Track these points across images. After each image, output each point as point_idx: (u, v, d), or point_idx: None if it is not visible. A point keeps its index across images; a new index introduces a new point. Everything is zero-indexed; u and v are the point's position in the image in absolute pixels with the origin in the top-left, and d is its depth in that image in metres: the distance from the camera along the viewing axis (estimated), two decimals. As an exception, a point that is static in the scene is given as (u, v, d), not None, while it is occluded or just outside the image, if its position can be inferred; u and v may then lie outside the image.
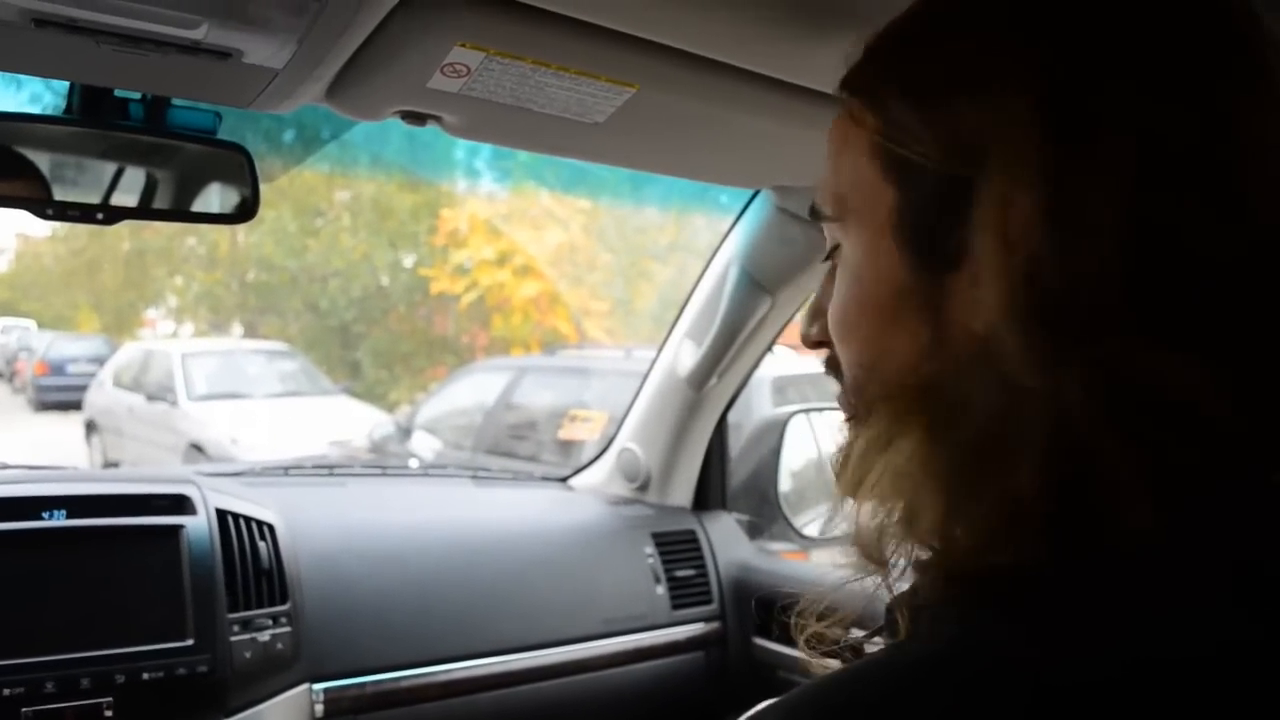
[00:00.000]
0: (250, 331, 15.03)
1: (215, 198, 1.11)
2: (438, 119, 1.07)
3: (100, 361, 12.08)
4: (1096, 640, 0.43)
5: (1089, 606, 0.45)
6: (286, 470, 1.91)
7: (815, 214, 0.61)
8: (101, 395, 10.12)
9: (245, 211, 1.09)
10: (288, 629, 1.39)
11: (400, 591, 1.57)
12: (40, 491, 1.34)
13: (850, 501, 0.55)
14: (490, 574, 1.67)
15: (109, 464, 9.02)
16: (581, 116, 1.08)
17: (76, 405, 11.11)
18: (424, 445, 6.86)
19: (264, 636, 1.36)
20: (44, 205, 1.06)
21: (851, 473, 0.54)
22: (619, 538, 1.85)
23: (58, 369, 14.40)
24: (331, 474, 1.93)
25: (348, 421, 8.43)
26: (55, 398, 13.62)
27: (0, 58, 0.88)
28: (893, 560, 0.54)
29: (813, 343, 0.64)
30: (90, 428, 10.12)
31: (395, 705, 1.48)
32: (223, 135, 1.08)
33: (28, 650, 1.21)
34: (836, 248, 0.60)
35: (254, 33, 0.81)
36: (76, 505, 1.33)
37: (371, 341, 13.39)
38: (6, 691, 1.17)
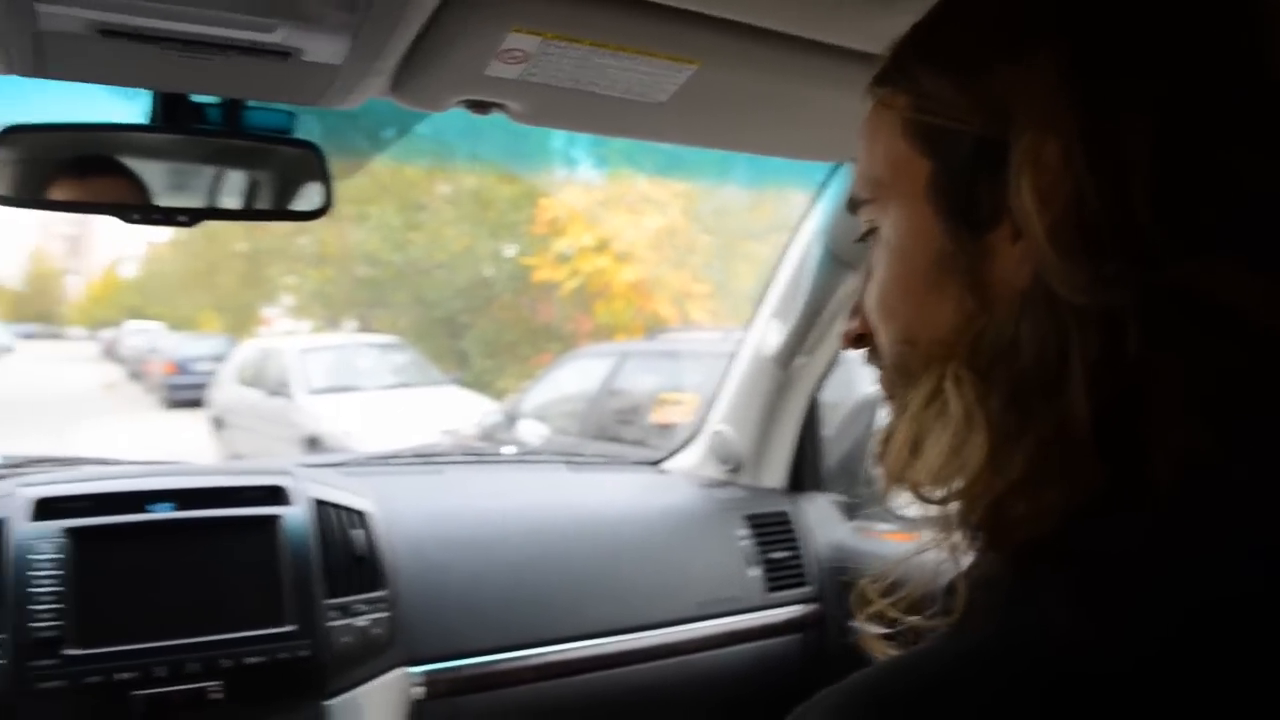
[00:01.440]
0: (363, 326, 15.45)
1: (291, 195, 1.13)
2: (501, 106, 1.08)
3: (223, 360, 12.56)
4: (1148, 620, 0.42)
5: (1140, 579, 0.44)
6: (384, 459, 1.95)
7: (853, 204, 0.63)
8: (224, 392, 10.53)
9: (320, 208, 1.11)
10: (384, 614, 1.42)
11: (494, 576, 1.59)
12: (147, 486, 1.40)
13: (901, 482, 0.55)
14: (583, 558, 1.68)
15: (233, 458, 9.38)
16: (644, 96, 1.07)
17: (203, 402, 11.61)
18: (530, 432, 6.96)
19: (361, 622, 1.39)
20: (129, 210, 1.10)
21: (903, 442, 0.54)
22: (711, 520, 1.85)
23: (184, 368, 15.08)
24: (428, 462, 1.97)
25: (457, 411, 8.59)
26: (183, 396, 14.25)
27: (73, 69, 0.92)
28: (958, 532, 0.53)
29: (853, 338, 0.64)
30: (215, 423, 10.54)
31: (491, 688, 1.50)
32: (307, 131, 1.11)
33: (139, 637, 1.26)
34: (873, 231, 0.61)
35: (309, 31, 0.82)
36: (181, 498, 1.38)
37: (478, 331, 13.62)
38: (119, 676, 1.23)
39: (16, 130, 1.05)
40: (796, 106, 1.15)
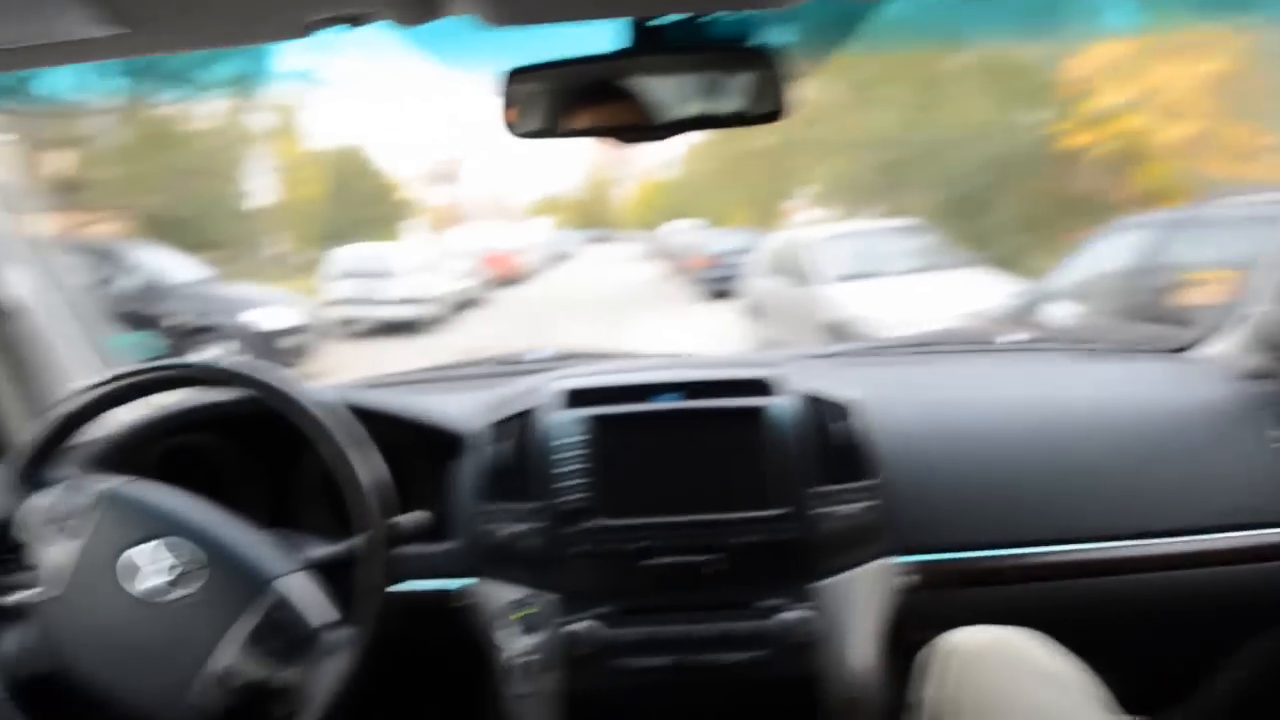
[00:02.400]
0: (884, 210, 15.40)
1: (751, 99, 1.17)
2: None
3: (752, 252, 13.28)
4: None
5: None
6: (879, 349, 1.96)
7: None
8: (754, 283, 11.15)
9: (778, 110, 1.14)
10: (871, 503, 1.45)
11: (987, 471, 1.55)
12: (657, 379, 1.55)
13: None
14: (1086, 455, 1.57)
15: (765, 345, 9.92)
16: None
17: (736, 293, 12.43)
18: (1060, 314, 6.54)
19: (847, 509, 1.43)
20: (626, 131, 1.22)
21: None
22: (1246, 418, 1.61)
23: (720, 262, 16.25)
24: (924, 351, 1.95)
25: (981, 292, 8.29)
26: (720, 288, 15.38)
27: (538, 12, 1.01)
28: None
29: None
30: (748, 313, 11.23)
31: (976, 584, 1.48)
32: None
33: (649, 512, 1.42)
34: None
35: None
36: (685, 389, 1.52)
37: (1004, 207, 12.95)
38: (633, 545, 1.39)
39: (522, 71, 1.20)
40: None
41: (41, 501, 1.23)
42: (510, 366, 1.93)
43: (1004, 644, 1.15)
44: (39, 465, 1.27)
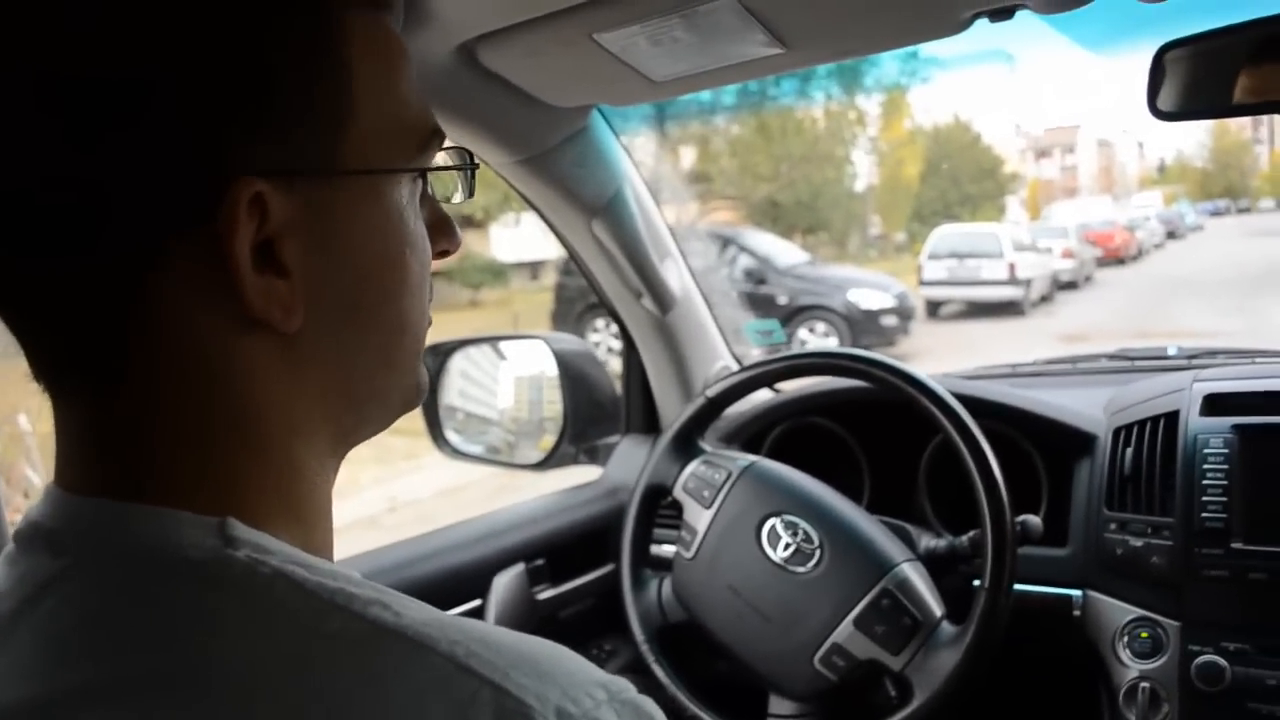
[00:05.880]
0: None
1: None
2: None
3: None
4: None
5: None
6: None
7: None
8: None
9: None
10: None
11: None
12: None
13: None
14: None
15: None
16: None
17: None
18: None
19: None
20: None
21: None
22: None
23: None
24: None
25: None
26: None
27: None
28: None
29: None
30: None
31: None
32: None
33: None
34: None
35: None
36: None
37: None
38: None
39: (1174, 45, 1.08)
40: None
41: (689, 471, 1.41)
42: (1128, 363, 1.78)
43: None
44: (690, 440, 1.44)
